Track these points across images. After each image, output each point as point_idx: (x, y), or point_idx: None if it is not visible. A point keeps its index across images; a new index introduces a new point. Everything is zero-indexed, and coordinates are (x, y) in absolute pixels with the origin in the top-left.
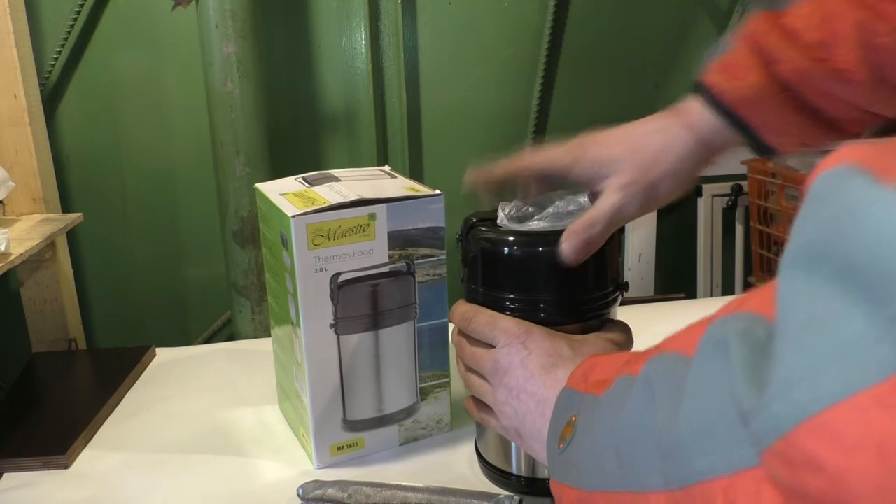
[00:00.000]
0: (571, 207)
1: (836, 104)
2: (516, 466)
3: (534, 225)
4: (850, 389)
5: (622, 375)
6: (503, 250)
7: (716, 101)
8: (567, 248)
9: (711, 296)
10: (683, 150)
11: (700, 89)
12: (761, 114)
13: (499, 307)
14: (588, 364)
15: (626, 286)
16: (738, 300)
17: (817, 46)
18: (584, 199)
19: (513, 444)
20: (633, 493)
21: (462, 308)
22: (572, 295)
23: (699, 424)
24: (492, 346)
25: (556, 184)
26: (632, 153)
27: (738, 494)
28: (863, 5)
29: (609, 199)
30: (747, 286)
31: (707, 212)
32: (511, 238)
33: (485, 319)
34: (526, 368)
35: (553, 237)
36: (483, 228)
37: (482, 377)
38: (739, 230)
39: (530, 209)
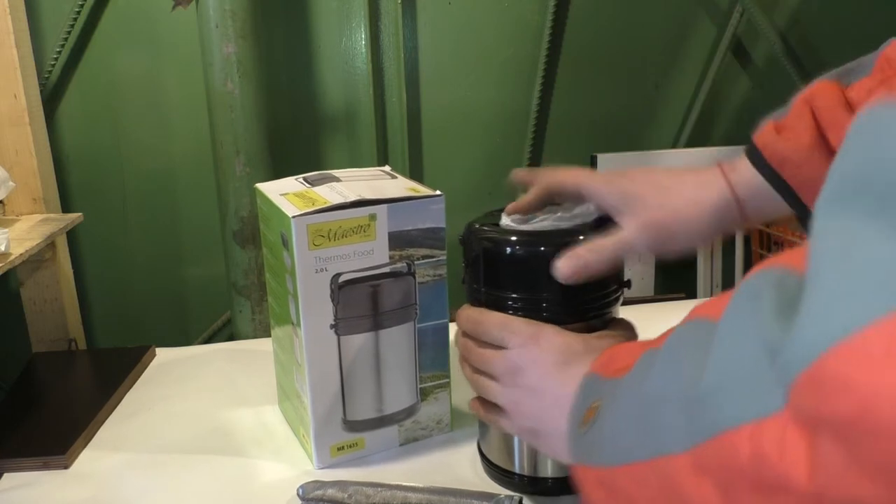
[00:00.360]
0: (577, 211)
1: None
2: (519, 466)
3: (538, 225)
4: (882, 311)
5: (645, 351)
6: (505, 250)
7: (763, 161)
8: (564, 266)
9: (711, 296)
10: (714, 205)
11: (749, 150)
12: (806, 176)
13: (502, 307)
14: (608, 354)
15: (628, 284)
16: (769, 260)
17: None
18: (591, 206)
19: (515, 444)
20: (655, 460)
21: (468, 311)
22: (575, 294)
23: (726, 371)
24: (501, 348)
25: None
26: (660, 196)
27: (764, 441)
28: None
29: (623, 233)
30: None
31: None
32: (513, 237)
33: (496, 321)
34: (541, 367)
35: (556, 237)
36: (486, 228)
37: (491, 378)
38: (739, 235)
39: (535, 213)
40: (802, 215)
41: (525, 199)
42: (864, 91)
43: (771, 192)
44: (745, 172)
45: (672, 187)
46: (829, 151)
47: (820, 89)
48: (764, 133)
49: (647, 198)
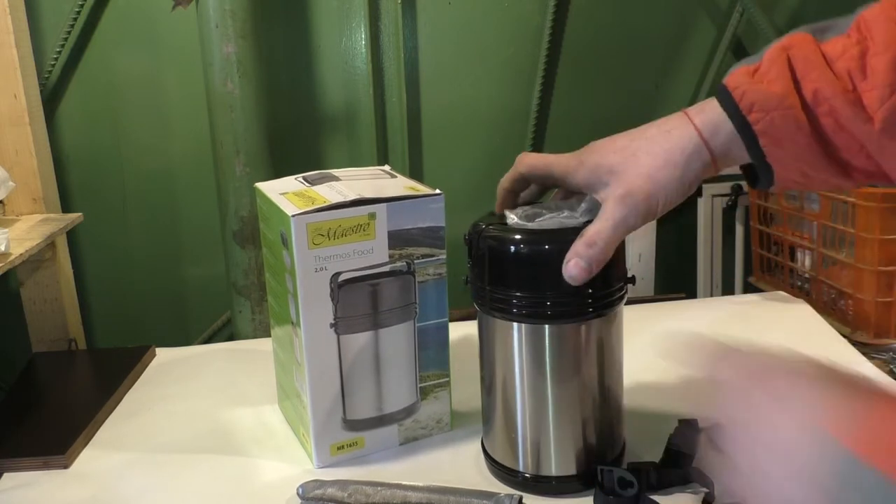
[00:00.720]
0: (583, 207)
1: (850, 142)
2: (523, 464)
3: (544, 223)
4: None
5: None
6: (510, 248)
7: (732, 102)
8: (572, 270)
9: (711, 296)
10: (684, 151)
11: (720, 89)
12: (774, 127)
13: (507, 304)
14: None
15: (632, 280)
16: None
17: (848, 76)
18: (597, 201)
19: (519, 442)
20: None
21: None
22: (581, 292)
23: None
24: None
25: (561, 188)
26: (631, 162)
27: None
28: None
29: (607, 213)
30: (747, 286)
31: (707, 212)
32: (518, 236)
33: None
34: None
35: (560, 234)
36: (491, 227)
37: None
38: (739, 230)
39: (542, 210)
40: (758, 164)
41: (501, 187)
42: (840, 47)
43: (736, 135)
44: (710, 113)
45: (639, 148)
46: (800, 102)
47: (798, 40)
48: (736, 75)
49: (619, 167)
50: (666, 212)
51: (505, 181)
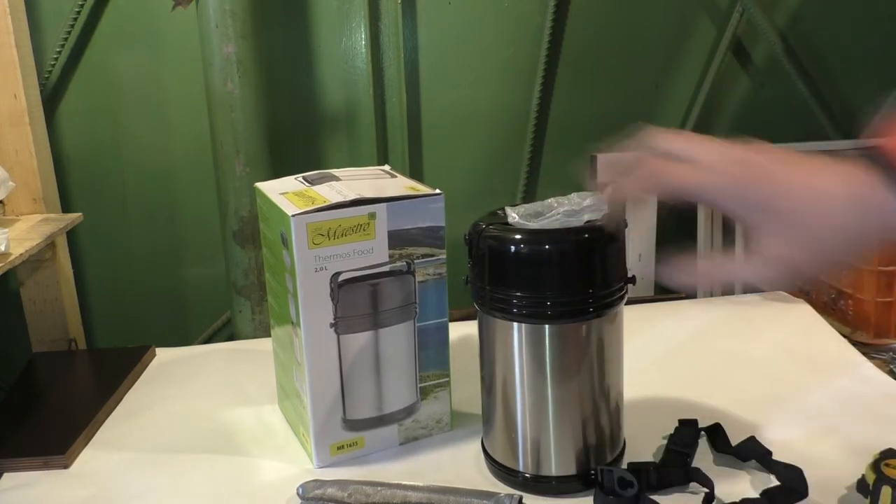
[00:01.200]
0: (586, 204)
1: None
2: (523, 464)
3: (546, 222)
4: None
5: None
6: (510, 248)
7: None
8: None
9: (711, 296)
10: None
11: (875, 156)
12: None
13: (507, 304)
14: None
15: (633, 280)
16: None
17: None
18: (600, 198)
19: (519, 442)
20: None
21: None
22: (581, 290)
23: None
24: None
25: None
26: (799, 222)
27: None
28: None
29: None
30: (747, 286)
31: (707, 211)
32: (518, 235)
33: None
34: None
35: (561, 234)
36: (492, 227)
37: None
38: (739, 230)
39: (543, 209)
40: None
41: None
42: None
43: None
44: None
45: (814, 210)
46: None
47: None
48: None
49: (787, 226)
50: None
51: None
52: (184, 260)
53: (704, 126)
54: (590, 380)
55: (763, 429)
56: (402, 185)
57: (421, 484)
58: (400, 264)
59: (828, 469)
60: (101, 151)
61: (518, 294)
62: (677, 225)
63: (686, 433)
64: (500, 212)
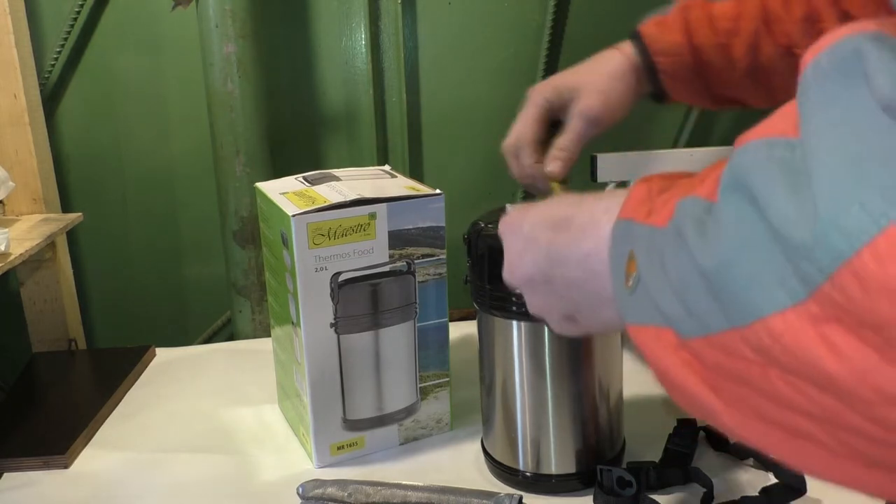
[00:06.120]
0: None
1: (724, 82)
2: (523, 463)
3: None
4: None
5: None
6: None
7: (644, 46)
8: (554, 168)
9: None
10: (620, 69)
11: (635, 35)
12: (671, 66)
13: (506, 303)
14: (640, 191)
15: None
16: (752, 131)
17: (724, 33)
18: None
19: (519, 442)
20: (699, 339)
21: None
22: None
23: (745, 264)
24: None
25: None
26: (587, 78)
27: (797, 330)
28: (765, 20)
29: (576, 120)
30: None
31: None
32: None
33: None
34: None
35: None
36: (490, 226)
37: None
38: None
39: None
40: (659, 93)
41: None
42: (723, 8)
43: (644, 69)
44: (628, 51)
45: (593, 69)
46: (691, 50)
47: (693, 3)
48: (648, 25)
49: (581, 85)
50: (619, 115)
51: (526, 130)
52: (184, 260)
53: (705, 126)
54: (590, 379)
55: None
56: (402, 185)
57: (421, 484)
58: (400, 264)
59: None
60: (101, 151)
61: (518, 293)
62: None
63: (685, 432)
64: (499, 211)
